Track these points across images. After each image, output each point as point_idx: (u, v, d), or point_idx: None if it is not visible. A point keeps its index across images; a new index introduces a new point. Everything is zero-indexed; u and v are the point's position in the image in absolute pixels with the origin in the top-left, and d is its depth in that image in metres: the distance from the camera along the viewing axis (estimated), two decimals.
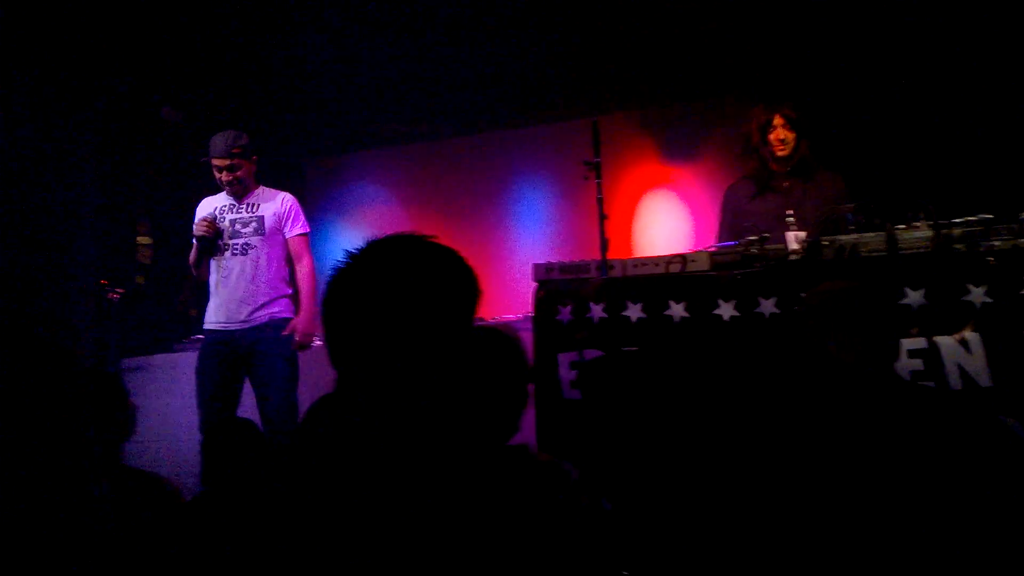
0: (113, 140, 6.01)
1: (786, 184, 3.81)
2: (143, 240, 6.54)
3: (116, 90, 5.88)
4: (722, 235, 3.86)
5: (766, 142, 3.79)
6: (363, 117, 6.94)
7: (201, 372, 4.14)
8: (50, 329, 5.12)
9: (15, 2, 4.80)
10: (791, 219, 3.30)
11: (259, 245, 4.18)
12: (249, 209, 4.24)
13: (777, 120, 3.78)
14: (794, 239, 3.18)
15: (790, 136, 3.77)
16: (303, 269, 4.29)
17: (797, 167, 3.80)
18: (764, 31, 5.40)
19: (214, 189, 4.35)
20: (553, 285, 3.28)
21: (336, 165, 7.82)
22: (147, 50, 5.69)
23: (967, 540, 1.74)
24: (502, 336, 1.88)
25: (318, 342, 4.52)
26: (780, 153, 3.77)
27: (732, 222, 3.86)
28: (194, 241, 4.21)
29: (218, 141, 4.17)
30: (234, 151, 4.14)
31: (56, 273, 5.35)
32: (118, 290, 5.59)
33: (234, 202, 4.25)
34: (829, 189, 3.73)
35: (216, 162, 4.15)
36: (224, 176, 4.16)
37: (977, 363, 2.66)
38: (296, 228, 4.28)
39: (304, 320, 4.16)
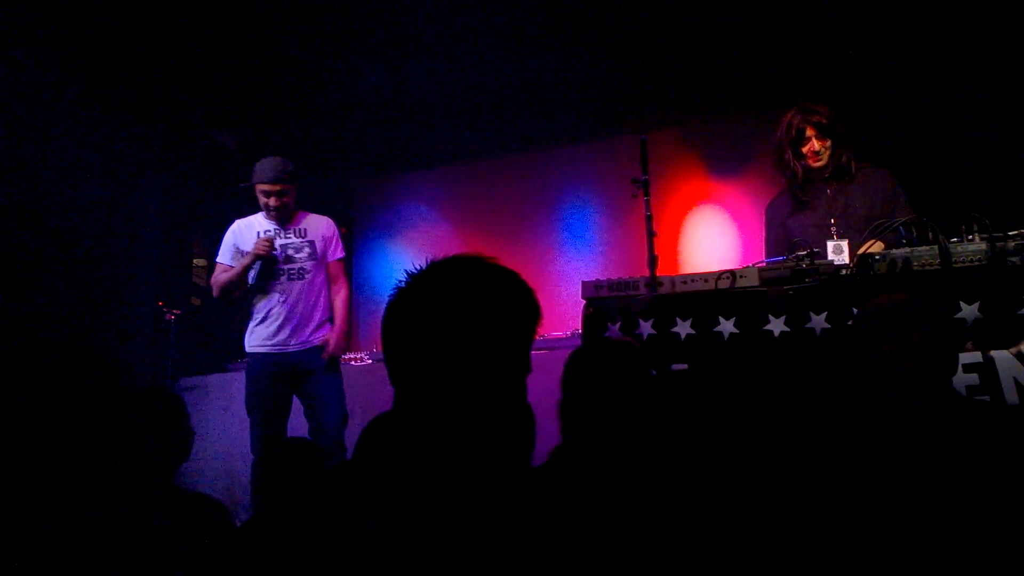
0: (171, 164, 6.20)
1: (828, 191, 3.71)
2: (199, 262, 6.71)
3: (175, 115, 6.07)
4: (769, 250, 3.82)
5: (800, 155, 3.71)
6: (411, 137, 7.05)
7: (255, 395, 4.21)
8: (110, 350, 5.26)
9: (86, 41, 5.00)
10: (833, 228, 3.26)
11: (312, 270, 4.30)
12: (299, 234, 4.34)
13: (809, 131, 3.68)
14: (833, 248, 3.15)
15: (824, 145, 3.67)
16: (341, 291, 4.42)
17: (836, 171, 3.69)
18: (809, 42, 5.38)
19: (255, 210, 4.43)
20: (602, 302, 3.29)
21: (384, 185, 7.94)
22: (203, 76, 5.87)
23: (1014, 552, 1.71)
24: None
25: (347, 358, 4.60)
26: (816, 164, 3.69)
27: (778, 236, 3.81)
28: (236, 258, 4.27)
29: (266, 167, 4.26)
30: (282, 177, 4.25)
31: (117, 295, 5.52)
32: (175, 311, 5.74)
33: (279, 227, 4.34)
34: (877, 186, 3.62)
35: (265, 187, 4.24)
36: (272, 201, 4.25)
37: None
38: (338, 252, 4.44)
39: (337, 337, 4.27)
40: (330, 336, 4.28)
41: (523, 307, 1.26)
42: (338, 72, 6.10)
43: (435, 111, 6.61)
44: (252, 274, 4.20)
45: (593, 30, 5.44)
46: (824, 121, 3.66)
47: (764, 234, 4.01)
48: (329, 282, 4.41)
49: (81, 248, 5.24)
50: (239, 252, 4.32)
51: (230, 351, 5.99)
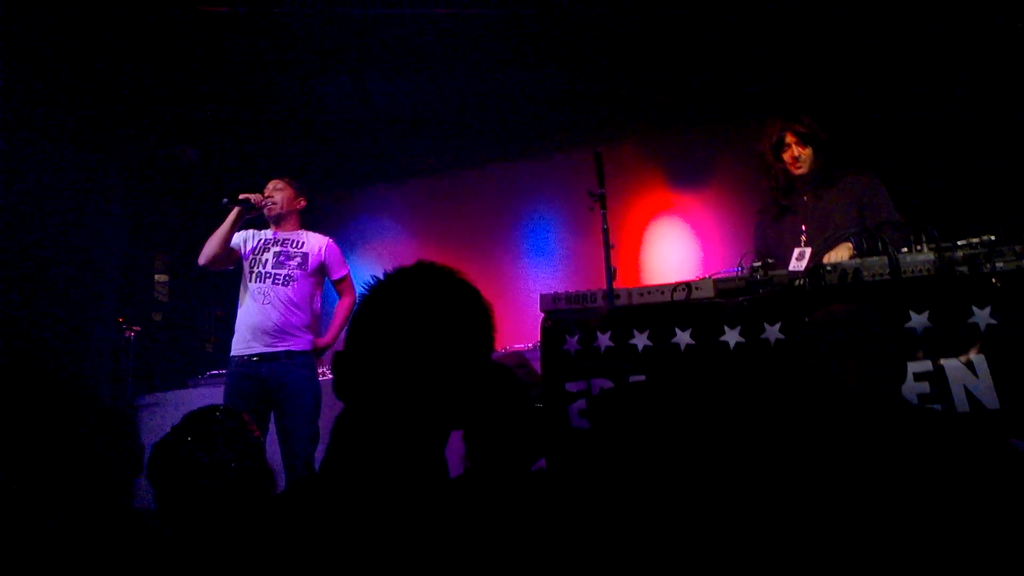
0: (133, 178, 6.13)
1: (805, 198, 3.74)
2: (160, 277, 6.64)
3: (136, 130, 6.02)
4: (754, 259, 3.84)
5: (780, 160, 3.74)
6: (373, 152, 7.05)
7: (227, 399, 4.19)
8: (68, 366, 5.18)
9: (50, 53, 4.94)
10: (803, 236, 3.30)
11: (299, 279, 4.35)
12: (295, 245, 4.45)
13: (789, 138, 3.71)
14: (796, 255, 3.19)
15: (804, 152, 3.70)
16: (345, 301, 4.56)
17: (816, 179, 3.72)
18: (766, 50, 5.45)
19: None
20: (560, 315, 3.29)
21: (346, 199, 7.94)
22: (166, 90, 5.83)
23: (975, 564, 1.73)
24: (505, 369, 1.92)
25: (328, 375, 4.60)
26: (796, 171, 3.72)
27: (758, 245, 3.85)
28: (234, 208, 4.33)
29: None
30: (283, 178, 4.57)
31: (79, 311, 5.44)
32: (135, 328, 5.67)
33: (280, 236, 4.48)
34: (857, 192, 3.64)
35: (267, 186, 4.52)
36: (267, 196, 4.46)
37: (984, 385, 2.65)
38: (343, 271, 4.57)
39: (329, 336, 4.44)
40: (320, 339, 4.42)
41: (480, 319, 1.25)
42: (302, 87, 6.09)
43: (397, 126, 6.62)
44: (228, 200, 4.33)
45: (551, 46, 5.48)
46: (804, 129, 3.69)
47: (753, 244, 4.01)
48: (316, 299, 4.50)
49: (42, 262, 5.16)
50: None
51: (190, 367, 5.94)
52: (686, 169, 6.58)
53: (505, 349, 4.99)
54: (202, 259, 4.34)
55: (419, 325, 1.19)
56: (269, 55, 5.61)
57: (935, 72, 4.90)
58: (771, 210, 3.88)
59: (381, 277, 1.26)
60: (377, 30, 5.31)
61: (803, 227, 3.56)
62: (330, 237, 4.60)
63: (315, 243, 4.50)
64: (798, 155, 3.70)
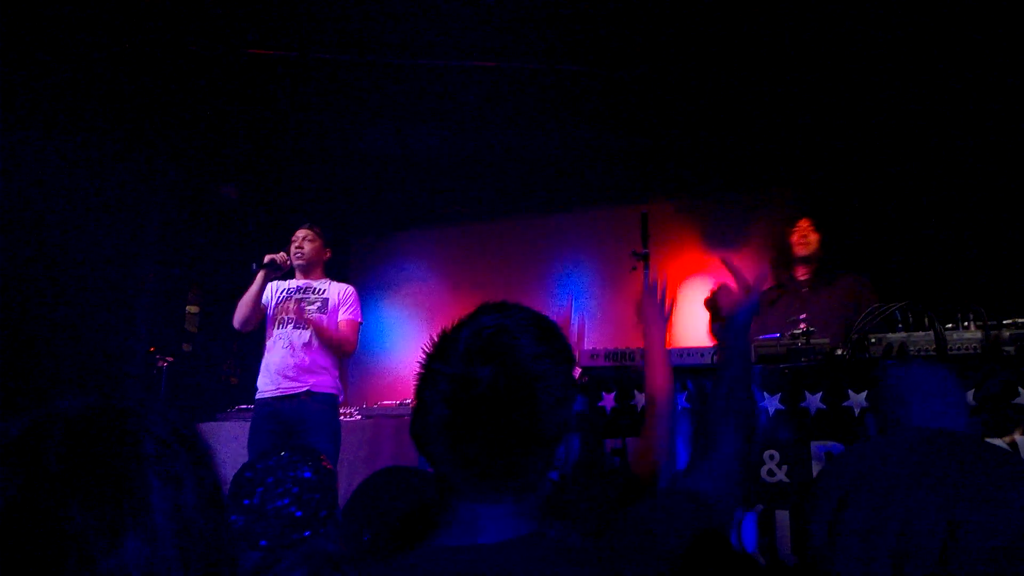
0: (172, 211, 6.24)
1: (804, 291, 3.93)
2: (191, 309, 6.70)
3: (180, 164, 6.15)
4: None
5: (788, 243, 3.99)
6: (411, 197, 7.12)
7: (251, 441, 4.27)
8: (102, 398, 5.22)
9: (95, 86, 5.08)
10: (801, 322, 3.32)
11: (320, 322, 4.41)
12: (317, 292, 4.53)
13: (803, 222, 3.97)
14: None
15: (813, 237, 3.93)
16: (343, 330, 4.49)
17: (817, 275, 3.93)
18: (807, 126, 5.50)
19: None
20: (597, 372, 3.30)
21: (382, 243, 7.98)
22: (210, 129, 5.96)
23: None
24: None
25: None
26: (802, 251, 3.94)
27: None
28: (260, 271, 4.41)
29: (301, 226, 4.64)
30: (314, 228, 4.61)
31: (111, 340, 5.50)
32: (167, 358, 5.70)
33: (302, 283, 4.55)
34: (851, 290, 3.82)
35: (296, 233, 4.57)
36: (296, 244, 4.52)
37: None
38: (347, 313, 4.54)
39: (320, 321, 4.38)
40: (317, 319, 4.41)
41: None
42: (343, 131, 6.20)
43: (436, 173, 6.70)
44: (256, 265, 4.40)
45: (593, 103, 5.56)
46: (817, 221, 3.98)
47: None
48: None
49: (78, 291, 5.23)
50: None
51: (219, 401, 5.95)
52: (723, 232, 6.58)
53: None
54: (237, 323, 4.47)
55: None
56: (313, 99, 5.72)
57: (985, 154, 4.89)
58: (769, 295, 4.02)
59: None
60: (420, 79, 5.40)
61: (802, 316, 3.57)
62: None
63: (336, 289, 4.59)
64: (807, 234, 3.95)
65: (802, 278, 3.99)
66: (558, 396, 1.07)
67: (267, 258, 4.46)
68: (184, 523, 0.83)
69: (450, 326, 1.14)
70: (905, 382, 2.01)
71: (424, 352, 1.13)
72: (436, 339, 1.14)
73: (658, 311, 2.13)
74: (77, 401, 0.87)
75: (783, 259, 4.04)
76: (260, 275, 4.42)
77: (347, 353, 4.58)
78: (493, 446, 1.04)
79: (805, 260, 3.95)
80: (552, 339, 1.11)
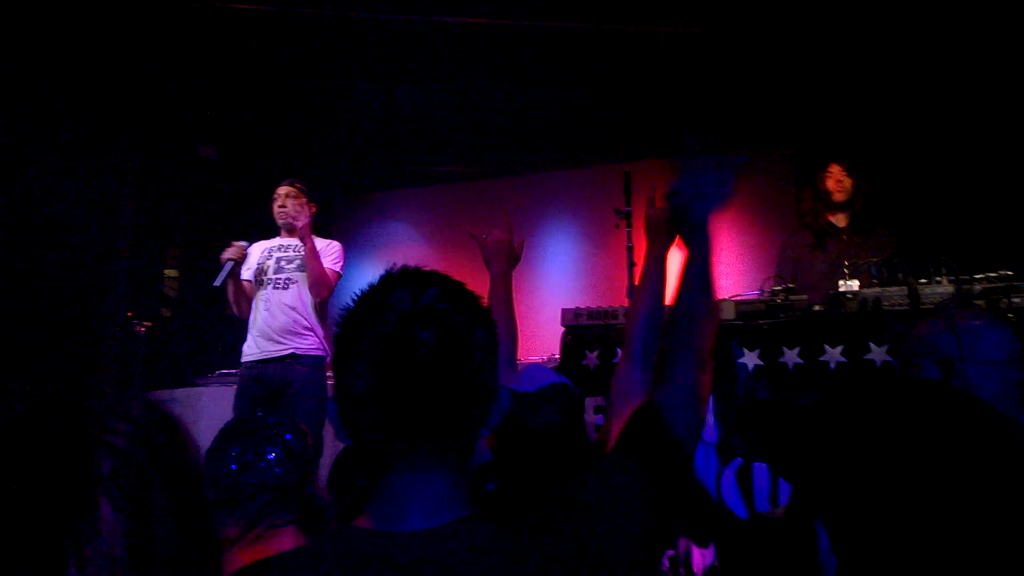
0: (149, 173, 6.15)
1: (844, 237, 3.92)
2: (170, 273, 6.63)
3: (157, 124, 6.05)
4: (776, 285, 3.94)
5: (822, 187, 3.96)
6: (395, 157, 7.07)
7: (235, 408, 4.23)
8: (77, 362, 5.19)
9: (57, 43, 4.97)
10: (846, 270, 3.36)
11: (300, 281, 4.31)
12: (296, 249, 4.38)
13: (834, 167, 3.94)
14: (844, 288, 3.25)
15: (848, 182, 3.92)
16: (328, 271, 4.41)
17: (856, 222, 3.92)
18: (794, 84, 5.51)
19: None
20: (581, 330, 3.34)
21: (366, 202, 7.96)
22: (184, 88, 5.85)
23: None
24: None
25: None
26: (838, 197, 3.92)
27: (793, 272, 3.92)
28: (225, 271, 4.30)
29: (282, 183, 4.49)
30: (296, 184, 4.46)
31: (87, 306, 5.45)
32: (145, 323, 5.67)
33: (283, 242, 4.44)
34: (884, 245, 3.81)
35: (278, 191, 4.43)
36: (279, 203, 4.40)
37: None
38: (330, 261, 4.39)
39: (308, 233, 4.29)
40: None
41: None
42: (326, 89, 6.11)
43: (421, 132, 6.64)
44: (220, 275, 4.27)
45: (582, 61, 5.52)
46: (848, 164, 3.95)
47: (776, 268, 4.08)
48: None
49: (51, 255, 5.17)
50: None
51: (199, 365, 5.93)
52: None
53: (520, 362, 5.00)
54: (240, 315, 4.41)
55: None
56: (297, 58, 5.62)
57: (964, 111, 4.94)
58: (806, 237, 3.99)
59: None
60: (406, 36, 5.32)
61: (845, 263, 3.60)
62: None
63: (321, 243, 4.44)
64: (841, 179, 3.92)
65: (842, 225, 3.96)
66: (488, 357, 1.09)
67: (223, 259, 4.29)
68: (145, 544, 0.72)
69: (364, 294, 1.15)
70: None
71: (341, 320, 1.13)
72: (353, 307, 1.14)
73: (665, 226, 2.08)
74: (27, 405, 0.76)
75: (820, 205, 4.02)
76: (225, 270, 4.28)
77: (322, 296, 4.38)
78: (433, 407, 1.04)
79: (843, 206, 3.94)
80: (473, 301, 1.13)
